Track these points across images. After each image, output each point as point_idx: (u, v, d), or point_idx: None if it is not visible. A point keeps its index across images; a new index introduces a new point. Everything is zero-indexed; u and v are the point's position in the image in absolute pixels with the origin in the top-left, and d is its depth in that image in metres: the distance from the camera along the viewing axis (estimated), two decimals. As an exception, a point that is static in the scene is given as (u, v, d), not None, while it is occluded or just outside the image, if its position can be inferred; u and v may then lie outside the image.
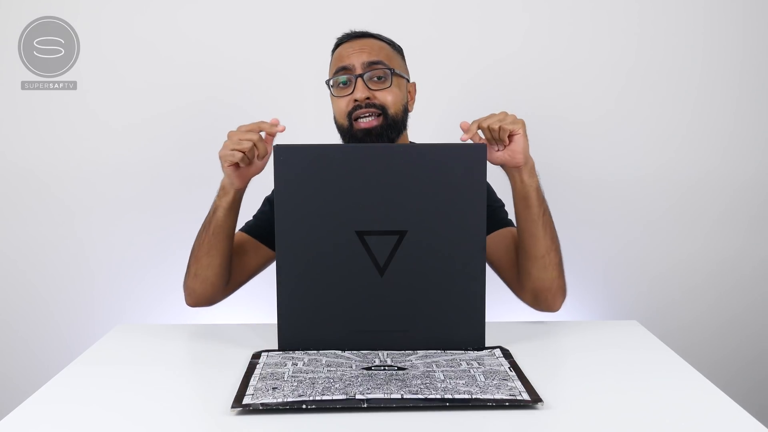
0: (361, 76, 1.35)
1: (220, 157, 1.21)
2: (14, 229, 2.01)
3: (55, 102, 1.98)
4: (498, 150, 1.23)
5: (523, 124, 1.21)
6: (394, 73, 1.37)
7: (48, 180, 2.00)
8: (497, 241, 1.35)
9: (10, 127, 1.98)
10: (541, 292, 1.28)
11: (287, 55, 1.97)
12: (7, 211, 2.01)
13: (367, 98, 1.35)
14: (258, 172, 1.26)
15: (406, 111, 1.41)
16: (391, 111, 1.36)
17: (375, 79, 1.36)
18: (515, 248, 1.33)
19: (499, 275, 1.36)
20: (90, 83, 1.97)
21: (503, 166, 1.25)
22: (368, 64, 1.36)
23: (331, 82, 1.39)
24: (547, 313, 1.30)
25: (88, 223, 2.01)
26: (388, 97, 1.36)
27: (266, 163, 1.23)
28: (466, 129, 1.21)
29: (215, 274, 1.30)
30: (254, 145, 1.19)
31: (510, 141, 1.21)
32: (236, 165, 1.21)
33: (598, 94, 1.99)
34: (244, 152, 1.18)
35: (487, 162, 1.11)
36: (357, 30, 1.44)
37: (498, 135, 1.20)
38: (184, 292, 1.33)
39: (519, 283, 1.31)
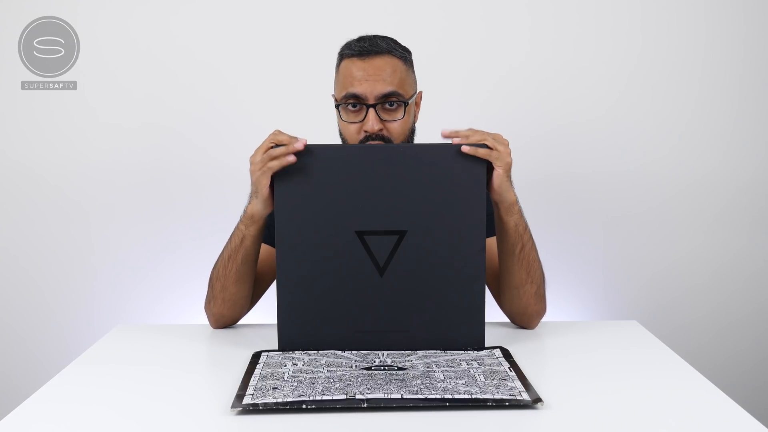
0: (374, 106, 1.31)
1: (254, 183, 1.13)
2: (14, 229, 2.01)
3: (55, 102, 1.97)
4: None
5: (508, 164, 1.12)
6: (407, 104, 1.33)
7: (48, 180, 1.99)
8: None
9: (10, 127, 1.98)
10: (516, 315, 1.28)
11: (288, 58, 1.97)
12: (7, 211, 2.00)
13: (380, 129, 1.31)
14: None
15: (412, 132, 1.39)
16: (397, 142, 1.34)
17: (387, 105, 1.32)
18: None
19: None
20: (90, 83, 1.97)
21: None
22: (382, 97, 1.31)
23: (339, 106, 1.35)
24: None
25: (88, 223, 2.01)
26: (397, 128, 1.33)
27: None
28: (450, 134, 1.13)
29: (244, 297, 1.28)
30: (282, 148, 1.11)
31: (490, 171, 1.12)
32: (271, 189, 1.13)
33: (600, 95, 1.99)
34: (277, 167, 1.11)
35: None
36: (367, 44, 1.34)
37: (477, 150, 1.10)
38: (210, 317, 1.30)
39: (498, 298, 1.31)
